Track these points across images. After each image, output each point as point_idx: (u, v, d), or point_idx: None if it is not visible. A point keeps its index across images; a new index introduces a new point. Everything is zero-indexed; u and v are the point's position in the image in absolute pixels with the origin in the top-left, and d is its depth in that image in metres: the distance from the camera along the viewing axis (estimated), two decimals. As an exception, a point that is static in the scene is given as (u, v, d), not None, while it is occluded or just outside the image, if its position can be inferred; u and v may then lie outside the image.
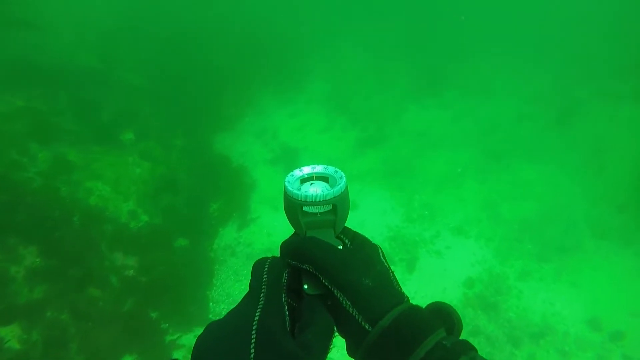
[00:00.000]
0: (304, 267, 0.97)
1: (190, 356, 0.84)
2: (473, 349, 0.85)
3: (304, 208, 1.08)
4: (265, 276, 0.96)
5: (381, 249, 1.12)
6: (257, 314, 0.85)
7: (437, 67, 17.28)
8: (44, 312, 6.84)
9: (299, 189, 1.08)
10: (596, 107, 13.69)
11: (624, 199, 10.86)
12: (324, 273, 0.95)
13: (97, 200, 8.82)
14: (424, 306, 0.98)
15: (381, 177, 12.36)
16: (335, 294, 0.93)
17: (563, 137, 13.11)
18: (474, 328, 8.30)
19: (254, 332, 0.81)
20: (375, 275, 0.97)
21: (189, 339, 7.64)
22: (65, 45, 13.71)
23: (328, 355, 0.86)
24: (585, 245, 9.89)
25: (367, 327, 0.90)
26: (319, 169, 1.16)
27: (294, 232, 1.15)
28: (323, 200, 1.04)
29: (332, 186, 1.11)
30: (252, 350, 0.77)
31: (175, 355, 7.31)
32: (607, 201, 10.93)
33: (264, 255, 1.06)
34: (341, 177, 1.11)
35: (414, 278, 9.25)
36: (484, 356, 0.85)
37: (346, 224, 1.16)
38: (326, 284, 0.94)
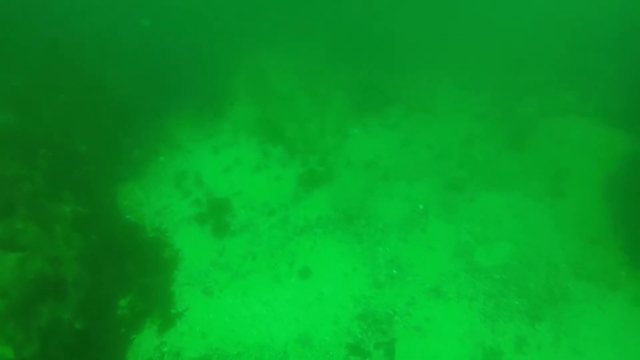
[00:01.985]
0: None
1: None
2: None
3: None
4: None
5: None
6: None
7: (374, 80, 15.66)
8: None
9: None
10: (545, 126, 13.01)
11: (593, 230, 10.07)
12: None
13: None
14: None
15: (333, 226, 10.33)
16: None
17: (519, 160, 12.18)
18: None
19: None
20: None
21: None
22: None
23: None
24: (573, 292, 8.83)
25: None
26: None
27: None
28: None
29: None
30: None
31: None
32: (579, 231, 10.07)
33: None
34: None
35: (397, 370, 7.39)
36: None
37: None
38: None
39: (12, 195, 8.07)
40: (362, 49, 17.24)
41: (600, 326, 8.12)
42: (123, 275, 8.11)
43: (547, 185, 11.28)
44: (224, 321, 7.92)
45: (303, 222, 10.35)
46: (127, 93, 13.19)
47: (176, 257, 9.04)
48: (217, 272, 9.03)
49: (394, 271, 9.18)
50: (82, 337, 6.76)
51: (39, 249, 7.78)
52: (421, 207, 10.91)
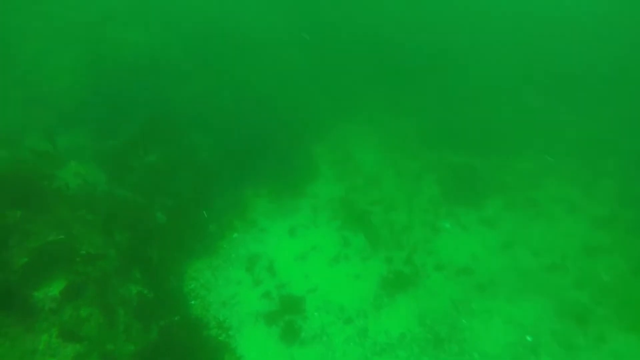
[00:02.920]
0: None
1: None
2: None
3: None
4: None
5: None
6: None
7: (470, 163, 14.17)
8: None
9: None
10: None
11: None
12: None
13: None
14: None
15: (420, 349, 8.63)
16: None
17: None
18: None
19: None
20: None
21: None
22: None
23: None
24: None
25: None
26: None
27: None
28: None
29: None
30: None
31: None
32: None
33: None
34: None
35: None
36: None
37: None
38: None
39: (87, 273, 7.62)
40: (457, 127, 15.96)
41: None
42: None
43: None
44: None
45: (384, 338, 8.80)
46: (211, 159, 13.01)
47: (237, 367, 7.90)
48: (280, 390, 7.74)
49: None
50: None
51: (98, 343, 7.10)
52: (529, 339, 8.87)
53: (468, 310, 9.53)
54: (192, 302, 9.18)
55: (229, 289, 9.64)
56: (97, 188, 10.75)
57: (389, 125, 16.49)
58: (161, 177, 11.59)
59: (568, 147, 15.22)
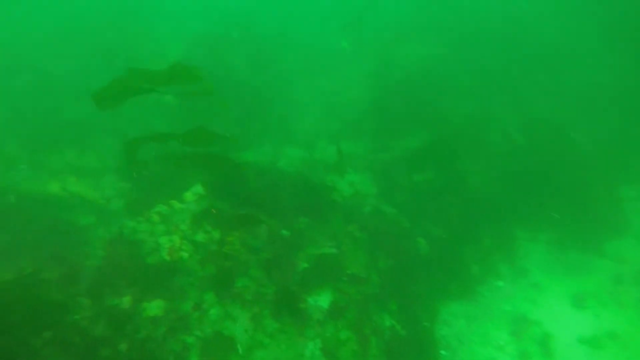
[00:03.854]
0: None
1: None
2: None
3: None
4: None
5: None
6: None
7: None
8: None
9: None
10: None
11: None
12: None
13: None
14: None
15: None
16: None
17: None
18: None
19: None
20: None
21: None
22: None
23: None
24: None
25: None
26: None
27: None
28: None
29: None
30: None
31: None
32: None
33: None
34: None
35: None
36: None
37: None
38: None
39: (350, 294, 7.73)
40: None
41: None
42: None
43: None
44: None
45: None
46: (481, 188, 11.56)
47: None
48: None
49: None
50: None
51: (350, 366, 7.05)
52: None
53: None
54: (442, 352, 8.19)
55: (486, 350, 8.15)
56: (366, 200, 11.13)
57: None
58: (427, 199, 11.02)
59: None
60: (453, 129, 13.11)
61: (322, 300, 7.47)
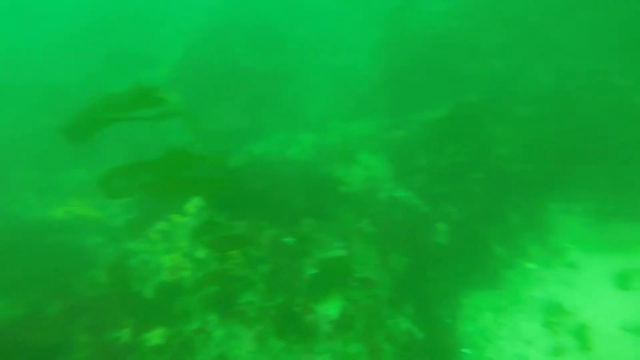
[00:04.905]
0: None
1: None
2: None
3: None
4: None
5: None
6: None
7: None
8: None
9: None
10: None
11: None
12: None
13: None
14: None
15: None
16: None
17: None
18: None
19: None
20: None
21: None
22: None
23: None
24: None
25: None
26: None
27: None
28: None
29: None
30: None
31: None
32: None
33: None
34: None
35: None
36: None
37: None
38: None
39: (359, 301, 7.36)
40: None
41: None
42: None
43: None
44: None
45: None
46: (509, 157, 10.52)
47: None
48: None
49: None
50: None
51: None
52: None
53: None
54: (465, 350, 7.70)
55: (515, 347, 7.55)
56: (381, 185, 10.51)
57: None
58: (447, 178, 10.20)
59: None
60: (477, 93, 11.93)
61: (330, 309, 7.15)
